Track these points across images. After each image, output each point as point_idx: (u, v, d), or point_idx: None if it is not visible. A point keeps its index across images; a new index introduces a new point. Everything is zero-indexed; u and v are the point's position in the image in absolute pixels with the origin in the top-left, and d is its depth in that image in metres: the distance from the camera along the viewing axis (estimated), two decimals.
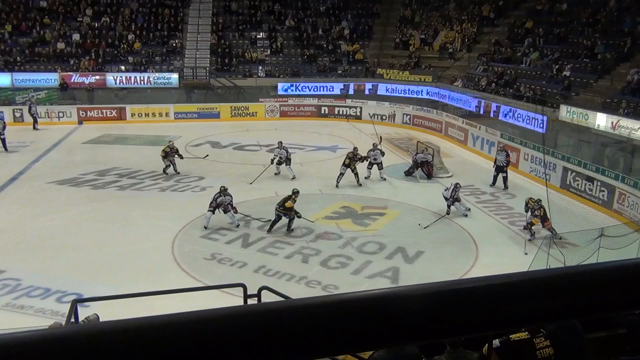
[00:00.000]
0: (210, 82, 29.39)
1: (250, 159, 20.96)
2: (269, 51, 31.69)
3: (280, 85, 29.73)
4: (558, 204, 13.45)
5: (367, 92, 29.69)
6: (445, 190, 14.92)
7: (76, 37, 30.03)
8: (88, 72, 28.50)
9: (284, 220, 13.63)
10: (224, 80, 29.54)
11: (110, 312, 7.20)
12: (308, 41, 32.13)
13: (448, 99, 26.17)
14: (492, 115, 22.42)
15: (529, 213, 13.32)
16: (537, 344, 3.27)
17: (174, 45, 30.87)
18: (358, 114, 28.97)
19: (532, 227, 13.10)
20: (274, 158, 18.32)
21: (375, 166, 17.93)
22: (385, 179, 17.67)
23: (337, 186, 17.12)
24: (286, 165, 18.20)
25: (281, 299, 6.15)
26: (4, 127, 21.41)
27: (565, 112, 18.69)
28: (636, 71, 18.28)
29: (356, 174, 17.27)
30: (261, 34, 32.42)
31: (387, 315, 0.80)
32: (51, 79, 27.93)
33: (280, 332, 0.77)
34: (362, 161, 17.58)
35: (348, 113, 29.17)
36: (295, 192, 13.67)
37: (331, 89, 29.84)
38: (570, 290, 0.87)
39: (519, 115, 20.73)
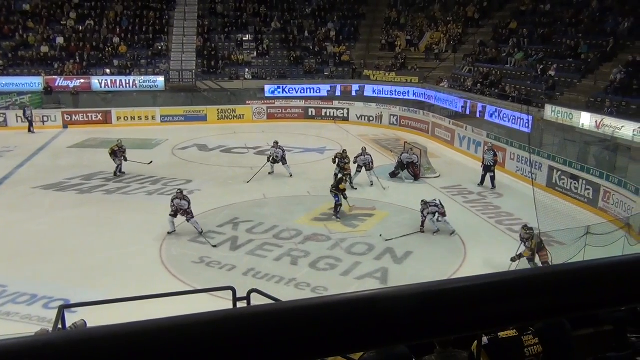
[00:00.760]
0: (197, 85, 29.28)
1: (238, 161, 20.91)
2: (255, 53, 31.65)
3: (267, 88, 29.70)
4: (544, 202, 13.54)
5: (354, 93, 29.77)
6: (427, 204, 13.79)
7: (60, 40, 29.75)
8: (73, 76, 28.26)
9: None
10: (211, 82, 29.45)
11: (98, 318, 7.14)
12: (294, 43, 32.14)
13: (434, 99, 26.32)
14: (478, 115, 22.57)
15: (521, 243, 11.49)
16: (526, 342, 3.28)
17: (160, 48, 30.70)
18: (345, 115, 29.01)
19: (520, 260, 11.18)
20: (270, 156, 18.41)
21: (363, 169, 17.75)
22: (372, 184, 17.54)
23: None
24: (282, 164, 18.42)
25: (271, 301, 6.13)
26: None
27: (550, 112, 18.87)
28: (619, 70, 18.51)
29: (348, 175, 17.22)
30: (247, 36, 32.37)
31: (376, 317, 0.81)
32: (35, 82, 27.67)
33: (270, 335, 0.76)
34: (350, 163, 17.47)
35: (335, 115, 29.20)
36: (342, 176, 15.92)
37: (318, 91, 29.88)
38: (558, 289, 0.88)
39: (504, 115, 20.90)
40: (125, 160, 18.63)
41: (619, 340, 3.43)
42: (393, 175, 18.64)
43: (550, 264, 10.96)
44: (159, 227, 13.60)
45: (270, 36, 32.44)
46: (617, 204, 14.44)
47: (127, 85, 28.51)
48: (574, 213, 15.01)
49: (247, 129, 26.83)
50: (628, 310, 3.55)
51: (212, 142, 24.21)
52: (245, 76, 30.36)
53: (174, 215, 13.38)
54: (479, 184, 17.71)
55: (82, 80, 28.15)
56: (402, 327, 0.82)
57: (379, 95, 28.98)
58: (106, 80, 28.41)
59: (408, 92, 28.15)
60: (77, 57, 29.16)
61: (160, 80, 28.85)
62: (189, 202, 13.38)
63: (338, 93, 29.91)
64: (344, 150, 17.74)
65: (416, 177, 18.42)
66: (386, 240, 13.13)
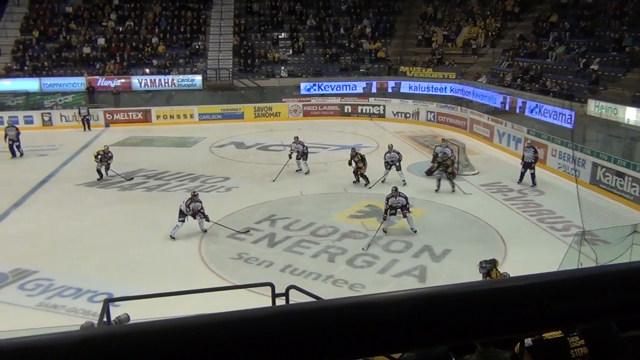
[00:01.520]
0: (234, 83, 29.61)
1: (274, 158, 21.03)
2: (291, 51, 31.80)
3: (302, 85, 29.79)
4: (588, 200, 13.19)
5: (390, 90, 29.57)
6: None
7: (101, 41, 30.56)
8: (114, 76, 28.98)
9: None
10: (247, 81, 29.72)
11: (139, 311, 7.31)
12: (330, 40, 32.13)
13: (472, 95, 25.92)
14: (517, 111, 22.12)
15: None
16: (571, 343, 3.21)
17: (197, 47, 31.17)
18: (381, 112, 28.86)
19: None
20: (291, 153, 18.40)
21: (393, 167, 17.55)
22: (405, 183, 17.19)
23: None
24: (302, 159, 18.36)
25: (309, 298, 6.16)
26: (18, 134, 21.43)
27: (594, 107, 18.34)
28: None
29: (363, 174, 17.02)
30: (283, 34, 32.54)
31: (419, 316, 0.80)
32: (78, 83, 28.47)
33: (317, 332, 0.76)
34: (361, 161, 17.11)
35: (371, 111, 29.08)
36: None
37: (354, 88, 29.80)
38: (604, 290, 0.85)
39: (545, 111, 20.42)
40: (107, 168, 17.89)
41: None
42: (429, 173, 18.39)
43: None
44: (198, 224, 13.77)
45: (306, 34, 32.53)
46: None
47: (166, 84, 29.07)
48: (619, 211, 14.54)
49: (283, 126, 26.96)
50: None
51: (249, 139, 24.44)
52: (281, 74, 30.53)
53: (184, 221, 13.07)
54: (518, 182, 17.35)
55: (123, 80, 28.83)
56: (444, 328, 0.81)
57: (415, 92, 28.70)
58: (146, 79, 29.03)
59: (445, 88, 27.80)
60: (118, 58, 29.88)
61: (198, 79, 29.29)
62: (201, 204, 13.28)
63: (374, 90, 29.76)
64: (353, 149, 17.45)
65: (452, 175, 18.03)
66: (364, 250, 12.51)
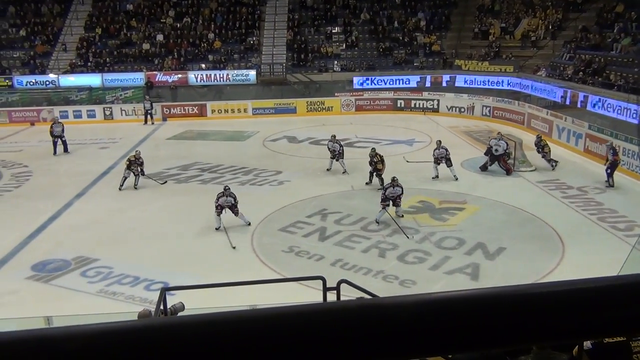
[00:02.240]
0: (287, 78, 29.81)
1: (326, 153, 21.05)
2: (344, 45, 31.71)
3: (355, 80, 29.66)
4: None
5: (444, 84, 29.03)
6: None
7: (160, 37, 31.44)
8: (171, 71, 29.76)
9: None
10: (300, 75, 29.87)
11: (193, 301, 7.51)
12: (383, 34, 31.84)
13: (531, 89, 25.11)
14: (579, 105, 21.26)
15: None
16: (634, 348, 3.07)
17: (252, 42, 31.59)
18: (435, 106, 28.41)
19: None
20: (331, 151, 18.12)
21: (444, 164, 17.18)
22: (457, 179, 16.93)
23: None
24: (338, 159, 17.96)
25: (361, 292, 6.15)
26: (63, 130, 21.78)
27: None
28: None
29: (380, 175, 16.30)
30: (336, 28, 32.48)
31: (478, 318, 0.77)
32: (138, 78, 29.40)
33: (379, 328, 0.75)
34: (380, 162, 16.47)
35: (425, 106, 28.67)
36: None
37: (407, 82, 29.42)
38: None
39: (609, 105, 19.53)
40: (143, 174, 17.06)
41: None
42: (484, 168, 18.00)
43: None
44: (251, 216, 13.97)
45: (360, 28, 32.36)
46: None
47: (221, 79, 29.59)
48: None
49: (335, 120, 26.98)
50: None
51: (301, 134, 24.59)
52: (334, 68, 30.51)
53: (219, 213, 13.37)
54: (608, 185, 16.20)
55: (180, 75, 29.57)
56: (501, 330, 0.78)
57: (470, 86, 28.06)
58: (202, 74, 29.64)
59: (502, 81, 27.05)
60: (175, 53, 30.65)
61: (252, 73, 29.67)
62: (234, 198, 13.45)
63: (428, 84, 29.30)
64: (373, 149, 16.88)
65: (508, 171, 17.63)
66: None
